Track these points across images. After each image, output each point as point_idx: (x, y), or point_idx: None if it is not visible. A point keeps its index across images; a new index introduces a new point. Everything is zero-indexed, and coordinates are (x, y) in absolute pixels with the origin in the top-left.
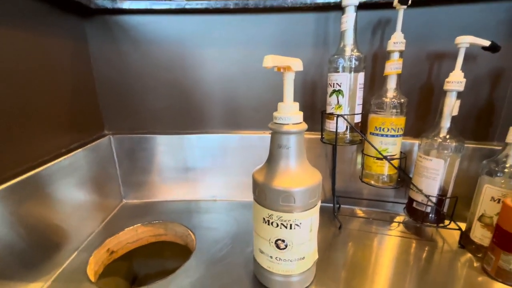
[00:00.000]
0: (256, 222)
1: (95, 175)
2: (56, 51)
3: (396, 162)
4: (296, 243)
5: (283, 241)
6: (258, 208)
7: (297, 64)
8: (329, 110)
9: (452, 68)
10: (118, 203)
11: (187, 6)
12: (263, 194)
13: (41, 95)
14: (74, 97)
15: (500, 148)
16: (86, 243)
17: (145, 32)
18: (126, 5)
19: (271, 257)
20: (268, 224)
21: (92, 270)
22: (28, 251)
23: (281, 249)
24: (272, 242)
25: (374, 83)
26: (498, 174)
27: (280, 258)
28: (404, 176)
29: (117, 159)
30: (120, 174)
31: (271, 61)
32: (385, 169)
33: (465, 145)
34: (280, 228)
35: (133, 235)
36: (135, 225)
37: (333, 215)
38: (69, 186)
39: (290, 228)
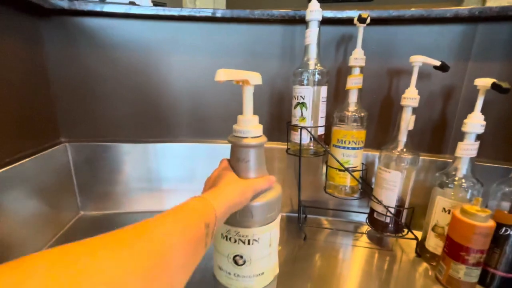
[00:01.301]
0: (215, 237)
1: (47, 185)
2: (5, 51)
3: (357, 174)
4: (254, 258)
5: (241, 257)
6: None
7: (255, 79)
8: (293, 121)
9: (408, 84)
10: (74, 215)
11: (152, 12)
12: None
13: None
14: (24, 102)
15: (451, 160)
16: None
17: (107, 36)
18: (84, 7)
19: (229, 273)
20: (226, 240)
21: None
22: None
23: (239, 265)
24: (230, 258)
25: (338, 96)
26: (449, 186)
27: (238, 275)
28: (365, 187)
29: (73, 168)
30: (77, 184)
31: (223, 75)
32: (347, 180)
33: (421, 157)
34: (238, 243)
35: None
36: None
37: (298, 226)
38: (15, 198)
39: (248, 243)
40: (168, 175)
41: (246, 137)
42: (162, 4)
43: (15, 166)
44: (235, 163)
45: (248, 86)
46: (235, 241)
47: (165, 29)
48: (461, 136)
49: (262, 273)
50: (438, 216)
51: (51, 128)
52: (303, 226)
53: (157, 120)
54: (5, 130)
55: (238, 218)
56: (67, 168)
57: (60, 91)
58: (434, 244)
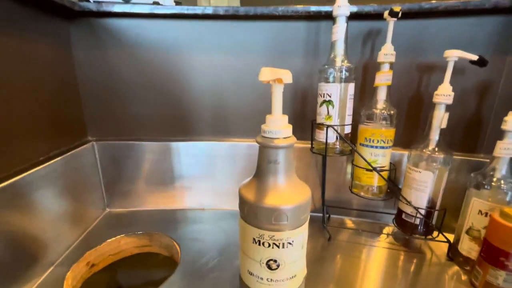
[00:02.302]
0: (244, 242)
1: (76, 183)
2: (37, 54)
3: (385, 174)
4: (288, 261)
5: (275, 261)
6: (246, 227)
7: (287, 77)
8: (319, 120)
9: (441, 80)
10: (101, 212)
11: (176, 11)
12: (253, 212)
13: (19, 100)
14: (55, 103)
15: (487, 160)
16: (65, 256)
17: (131, 36)
18: (111, 8)
19: (261, 278)
20: (259, 245)
21: (69, 286)
22: (1, 265)
23: (273, 269)
24: (263, 263)
25: (365, 93)
26: (486, 187)
27: (271, 279)
28: (393, 188)
29: (100, 166)
30: (103, 182)
31: (267, 74)
32: (375, 181)
33: (453, 157)
34: (272, 247)
35: (116, 247)
36: (117, 237)
37: (322, 226)
38: (48, 195)
39: (283, 247)
40: (189, 173)
41: (277, 138)
42: (178, 3)
43: (48, 164)
44: (265, 165)
45: (279, 84)
46: (269, 245)
47: (188, 28)
48: (498, 134)
49: (295, 276)
50: (473, 218)
51: (79, 127)
52: (327, 226)
53: (179, 118)
54: (39, 130)
55: (273, 222)
56: (94, 166)
57: (88, 91)
58: (468, 248)
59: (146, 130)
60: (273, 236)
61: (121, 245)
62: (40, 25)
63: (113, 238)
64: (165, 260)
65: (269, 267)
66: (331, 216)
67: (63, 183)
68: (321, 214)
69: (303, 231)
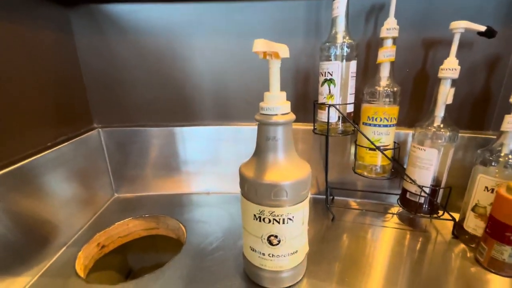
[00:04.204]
0: (245, 219)
1: (84, 168)
2: (40, 42)
3: (389, 153)
4: (289, 237)
5: (276, 236)
6: (247, 204)
7: (283, 50)
8: (321, 100)
9: (447, 55)
10: (109, 197)
11: None
12: (253, 189)
13: (25, 88)
14: (60, 90)
15: (495, 137)
16: (76, 237)
17: (132, 21)
18: None
19: (263, 254)
20: (260, 221)
21: (81, 265)
22: (15, 245)
23: (274, 245)
24: (264, 239)
25: (367, 71)
26: (493, 164)
27: (273, 255)
28: (397, 166)
29: (107, 152)
30: (110, 167)
31: (261, 45)
32: (378, 160)
33: (460, 134)
34: (273, 223)
35: (124, 229)
36: (126, 219)
37: (326, 207)
38: (57, 179)
39: (283, 222)
40: (194, 158)
41: (276, 114)
42: None
43: (56, 149)
44: (263, 142)
45: (276, 59)
46: (269, 221)
47: (188, 11)
48: (507, 109)
49: (296, 251)
50: (479, 195)
51: (84, 114)
52: (330, 207)
53: (182, 103)
54: (46, 116)
55: (272, 198)
56: (101, 152)
57: (91, 78)
58: (474, 225)
59: (150, 116)
60: (273, 212)
61: (130, 227)
62: (40, 12)
63: (122, 221)
64: (172, 242)
65: (270, 243)
66: (335, 198)
67: (71, 168)
68: (324, 196)
69: (304, 207)
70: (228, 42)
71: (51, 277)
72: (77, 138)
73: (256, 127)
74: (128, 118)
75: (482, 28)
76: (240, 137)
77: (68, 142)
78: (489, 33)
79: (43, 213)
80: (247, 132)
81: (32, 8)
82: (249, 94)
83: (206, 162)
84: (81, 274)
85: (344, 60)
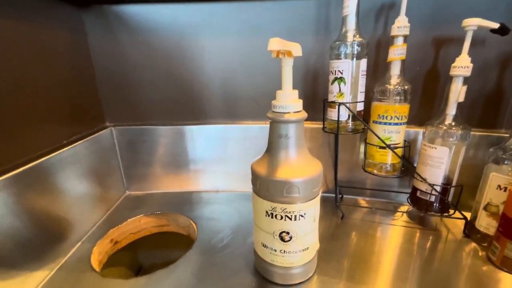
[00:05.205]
0: (257, 215)
1: (97, 166)
2: (55, 42)
3: (399, 151)
4: (301, 234)
5: (288, 233)
6: (259, 201)
7: (296, 49)
8: (330, 98)
9: (458, 53)
10: (121, 194)
11: None
12: (265, 186)
13: (41, 87)
14: (74, 89)
15: (507, 135)
16: (90, 233)
17: (142, 22)
18: None
19: (275, 250)
20: (272, 217)
21: (96, 259)
22: (32, 241)
23: (285, 241)
24: (276, 235)
25: (377, 70)
26: (505, 162)
27: (284, 251)
28: (407, 165)
29: (119, 150)
30: (122, 165)
31: (276, 43)
32: (388, 158)
33: (472, 132)
34: (285, 220)
35: (136, 226)
36: (137, 216)
37: (335, 206)
38: (71, 177)
39: (295, 219)
40: (203, 156)
41: (288, 112)
42: None
43: (70, 148)
44: (276, 140)
45: (289, 58)
46: (281, 218)
47: (197, 11)
48: None
49: (307, 248)
50: (492, 194)
51: (97, 113)
52: (340, 205)
53: (191, 103)
54: (60, 115)
55: (285, 195)
56: (113, 151)
57: (104, 78)
58: (486, 224)
59: (159, 115)
60: (285, 208)
61: (141, 224)
62: (55, 13)
63: (134, 218)
64: (182, 239)
65: (282, 239)
66: (344, 196)
67: (85, 165)
68: (334, 195)
69: (315, 204)
70: (236, 42)
71: (68, 271)
72: (90, 137)
73: (265, 125)
74: (138, 117)
75: (495, 25)
76: (248, 136)
77: (82, 141)
78: (502, 31)
79: (58, 210)
80: (255, 130)
81: (47, 9)
82: (257, 93)
83: (214, 161)
84: (96, 268)
85: (355, 59)
